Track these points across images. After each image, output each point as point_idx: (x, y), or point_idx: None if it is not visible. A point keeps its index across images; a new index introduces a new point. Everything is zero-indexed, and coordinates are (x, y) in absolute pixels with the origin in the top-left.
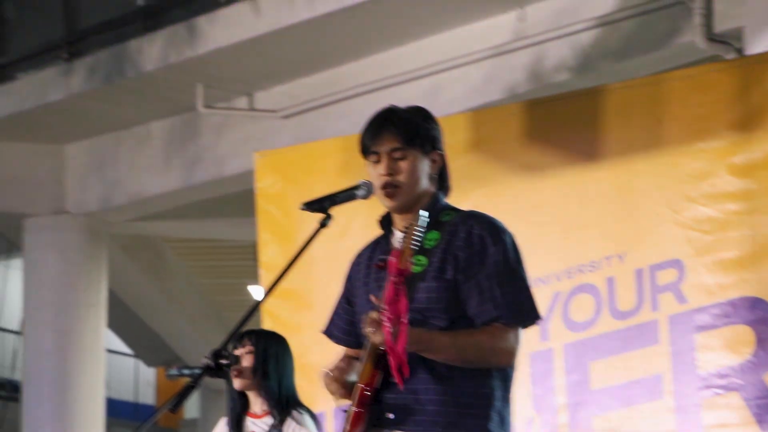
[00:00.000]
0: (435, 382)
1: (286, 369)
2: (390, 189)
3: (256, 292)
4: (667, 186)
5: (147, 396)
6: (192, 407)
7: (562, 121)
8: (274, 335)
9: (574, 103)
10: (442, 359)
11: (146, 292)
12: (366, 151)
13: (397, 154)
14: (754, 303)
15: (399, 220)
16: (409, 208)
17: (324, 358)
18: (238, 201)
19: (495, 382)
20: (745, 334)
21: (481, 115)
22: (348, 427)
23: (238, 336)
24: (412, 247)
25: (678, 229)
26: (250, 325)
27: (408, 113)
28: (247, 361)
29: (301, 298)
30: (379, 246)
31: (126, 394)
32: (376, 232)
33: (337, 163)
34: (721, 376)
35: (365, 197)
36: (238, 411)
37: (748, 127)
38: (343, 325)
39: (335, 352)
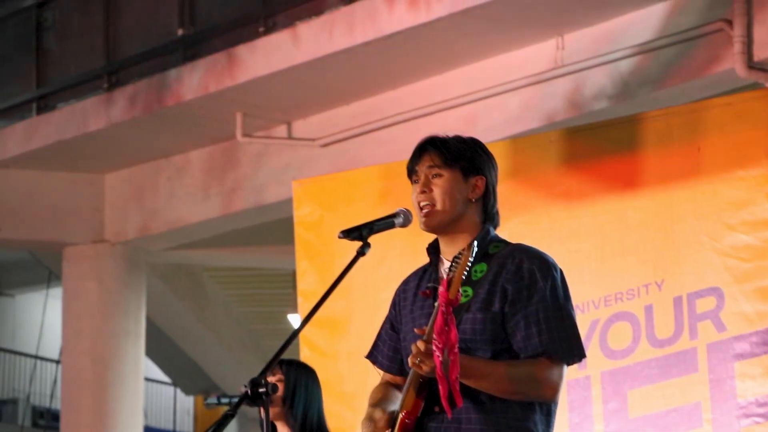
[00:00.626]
0: (477, 411)
1: (313, 400)
2: (425, 208)
3: (295, 320)
4: (706, 214)
5: (185, 424)
6: None
7: (601, 148)
8: (304, 366)
9: (613, 131)
10: (484, 388)
11: (185, 320)
12: (409, 173)
13: (434, 172)
14: None
15: (446, 248)
16: (451, 233)
17: (361, 385)
18: (276, 229)
19: (537, 416)
20: None
21: (519, 142)
22: None
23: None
24: (462, 277)
25: (717, 256)
26: (288, 354)
27: (453, 139)
28: (277, 390)
29: (338, 326)
30: (427, 274)
31: (164, 423)
32: (414, 260)
33: (375, 191)
34: (760, 404)
35: (403, 225)
36: None
37: None
38: (387, 351)
39: (373, 379)
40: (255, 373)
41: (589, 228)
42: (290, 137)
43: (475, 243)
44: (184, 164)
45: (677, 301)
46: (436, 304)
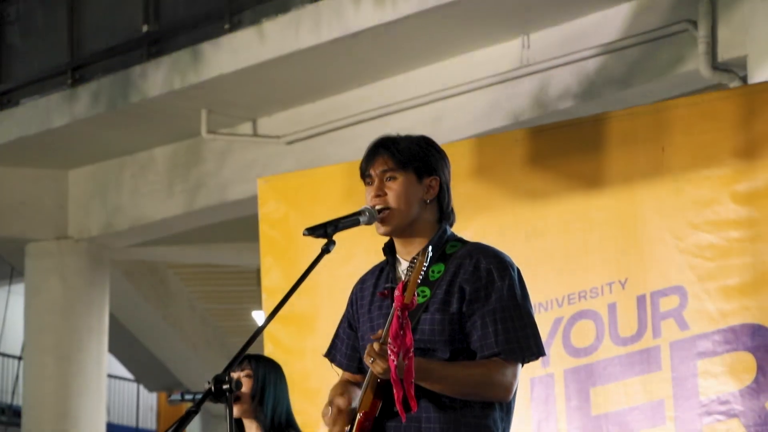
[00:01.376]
0: (437, 410)
1: (282, 396)
2: (381, 213)
3: (259, 317)
4: (670, 213)
5: (148, 421)
6: None
7: (566, 148)
8: (271, 362)
9: (578, 131)
10: (440, 390)
11: (148, 317)
12: (363, 175)
13: (388, 175)
14: (756, 330)
15: (403, 249)
16: (407, 235)
17: (326, 382)
18: (241, 226)
19: (496, 413)
20: (746, 360)
21: (484, 141)
22: None
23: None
24: (418, 280)
25: (680, 255)
26: (252, 350)
27: (405, 140)
28: (245, 386)
29: (303, 323)
30: (384, 273)
31: (127, 419)
32: (379, 258)
33: (341, 189)
34: (722, 402)
35: (368, 223)
36: None
37: (751, 155)
38: (345, 350)
39: (337, 377)
40: (219, 370)
41: (554, 226)
42: (255, 134)
43: (430, 248)
44: (148, 161)
45: (641, 299)
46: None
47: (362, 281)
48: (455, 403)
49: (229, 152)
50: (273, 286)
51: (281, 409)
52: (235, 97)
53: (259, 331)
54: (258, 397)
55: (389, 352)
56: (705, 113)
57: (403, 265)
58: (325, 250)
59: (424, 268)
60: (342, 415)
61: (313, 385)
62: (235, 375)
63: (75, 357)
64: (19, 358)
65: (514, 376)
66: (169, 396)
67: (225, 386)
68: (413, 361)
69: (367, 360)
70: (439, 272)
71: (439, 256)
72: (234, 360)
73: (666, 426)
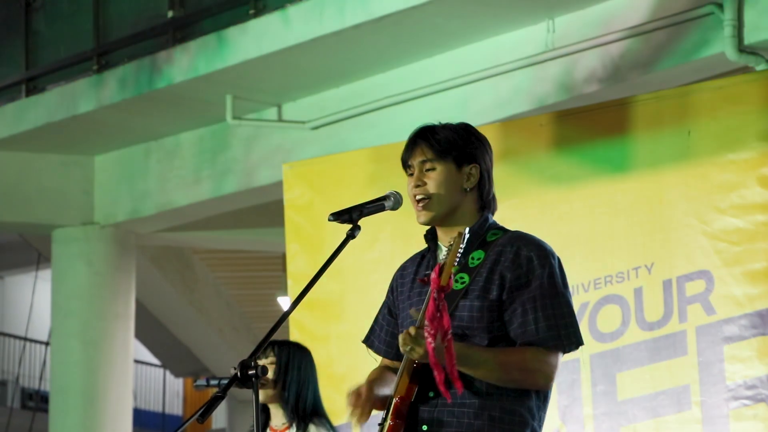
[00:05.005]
0: (472, 396)
1: (307, 380)
2: (421, 201)
3: (285, 302)
4: (696, 197)
5: (174, 407)
6: (219, 418)
7: (591, 132)
8: (297, 346)
9: (604, 115)
10: (478, 376)
11: (174, 303)
12: (404, 165)
13: (428, 166)
14: None
15: (443, 235)
16: (448, 222)
17: (351, 368)
18: (266, 212)
19: (532, 401)
20: None
21: (510, 126)
22: None
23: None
24: (455, 264)
25: (706, 240)
26: (278, 336)
27: (444, 128)
28: (270, 372)
29: (329, 308)
30: (425, 260)
31: (154, 405)
32: (405, 243)
33: (366, 173)
34: (749, 387)
35: (393, 208)
36: (261, 424)
37: None
38: (385, 336)
39: (363, 362)
40: (245, 356)
41: (579, 211)
42: (280, 120)
43: (467, 230)
44: (174, 147)
45: (667, 284)
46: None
47: (403, 268)
48: (491, 388)
49: (254, 138)
50: (298, 271)
51: (306, 393)
52: (260, 82)
53: (285, 316)
54: (281, 382)
55: (426, 334)
56: (731, 97)
57: (444, 252)
58: (350, 235)
59: (461, 251)
60: (361, 400)
61: (338, 371)
62: (260, 362)
63: (102, 343)
64: (47, 344)
65: (555, 365)
66: (195, 381)
67: (251, 371)
68: (452, 343)
69: (404, 348)
70: (479, 259)
71: (480, 244)
72: (260, 345)
73: (692, 411)
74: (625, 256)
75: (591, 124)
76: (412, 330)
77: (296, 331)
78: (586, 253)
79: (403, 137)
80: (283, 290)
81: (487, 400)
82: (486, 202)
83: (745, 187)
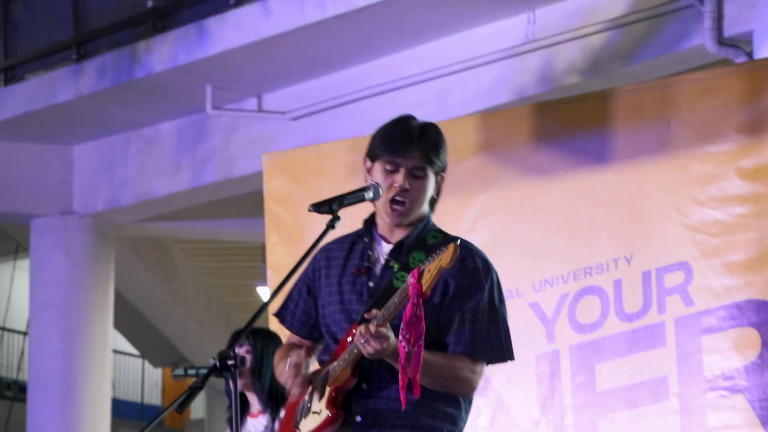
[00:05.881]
0: (409, 393)
1: None
2: (399, 206)
3: (264, 293)
4: (676, 189)
5: (153, 396)
6: (198, 408)
7: (571, 123)
8: (269, 333)
9: (584, 106)
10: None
11: (153, 293)
12: (382, 157)
13: (418, 173)
14: (761, 306)
15: (388, 231)
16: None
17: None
18: (246, 202)
19: (462, 404)
20: (751, 336)
21: (490, 117)
22: (313, 428)
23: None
24: (434, 274)
25: (685, 231)
26: (256, 326)
27: (432, 133)
28: (246, 362)
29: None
30: (356, 248)
31: (132, 395)
32: None
33: (346, 164)
34: (727, 378)
35: (373, 199)
36: (240, 412)
37: (757, 130)
38: (299, 315)
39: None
40: (223, 346)
41: (559, 203)
42: (260, 110)
43: (460, 240)
44: (153, 136)
45: (646, 275)
46: (404, 294)
47: (328, 250)
48: (424, 390)
49: (234, 128)
50: (278, 262)
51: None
52: (240, 72)
53: (264, 307)
54: (257, 371)
55: (401, 338)
56: (710, 89)
57: (384, 248)
58: (330, 226)
59: (446, 267)
60: (299, 372)
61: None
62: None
63: (80, 332)
64: (25, 334)
65: (482, 375)
66: (174, 371)
67: (230, 362)
68: (421, 350)
69: (359, 340)
70: (420, 260)
71: (421, 245)
72: (238, 335)
73: (670, 402)
74: (605, 247)
75: (571, 115)
76: (372, 327)
77: (275, 322)
78: (566, 244)
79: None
80: (263, 281)
81: (422, 400)
82: (433, 205)
83: (724, 179)
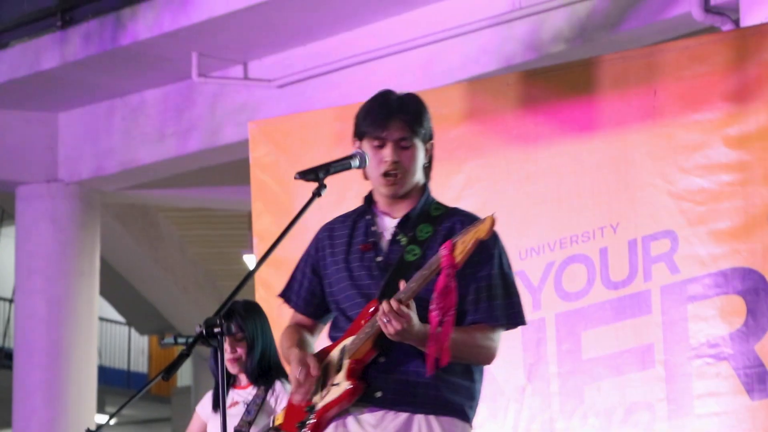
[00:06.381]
0: (425, 365)
1: (268, 339)
2: (392, 177)
3: (250, 261)
4: (661, 157)
5: (140, 364)
6: (185, 375)
7: (558, 91)
8: (254, 309)
9: (570, 74)
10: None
11: (139, 260)
12: (368, 134)
13: (404, 143)
14: (746, 273)
15: (390, 206)
16: (402, 195)
17: None
18: (232, 170)
19: (477, 375)
20: (736, 304)
21: (476, 85)
22: (332, 400)
23: (227, 313)
24: (470, 246)
25: (671, 200)
26: (243, 294)
27: (412, 102)
28: (241, 349)
29: (294, 267)
30: (359, 225)
31: (119, 363)
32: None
33: (332, 132)
34: (712, 345)
35: (360, 167)
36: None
37: (743, 98)
38: (304, 294)
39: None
40: (210, 314)
41: (545, 171)
42: (246, 78)
43: (494, 215)
44: (139, 104)
45: (632, 243)
46: (435, 266)
47: (330, 229)
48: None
49: (220, 96)
50: (264, 230)
51: (269, 353)
52: (226, 40)
53: (250, 275)
54: (251, 351)
55: (433, 306)
56: (697, 57)
57: (388, 222)
58: (316, 193)
59: (481, 239)
60: (311, 379)
61: None
62: (237, 351)
63: (66, 300)
64: (10, 301)
65: (498, 340)
66: (161, 339)
67: (216, 329)
68: (452, 319)
69: (381, 319)
70: (427, 232)
71: (425, 218)
72: (225, 304)
73: (656, 369)
74: (591, 215)
75: (558, 83)
76: (394, 303)
77: (261, 290)
78: (552, 212)
79: (370, 96)
80: (249, 249)
81: (440, 371)
82: (428, 175)
83: (710, 147)
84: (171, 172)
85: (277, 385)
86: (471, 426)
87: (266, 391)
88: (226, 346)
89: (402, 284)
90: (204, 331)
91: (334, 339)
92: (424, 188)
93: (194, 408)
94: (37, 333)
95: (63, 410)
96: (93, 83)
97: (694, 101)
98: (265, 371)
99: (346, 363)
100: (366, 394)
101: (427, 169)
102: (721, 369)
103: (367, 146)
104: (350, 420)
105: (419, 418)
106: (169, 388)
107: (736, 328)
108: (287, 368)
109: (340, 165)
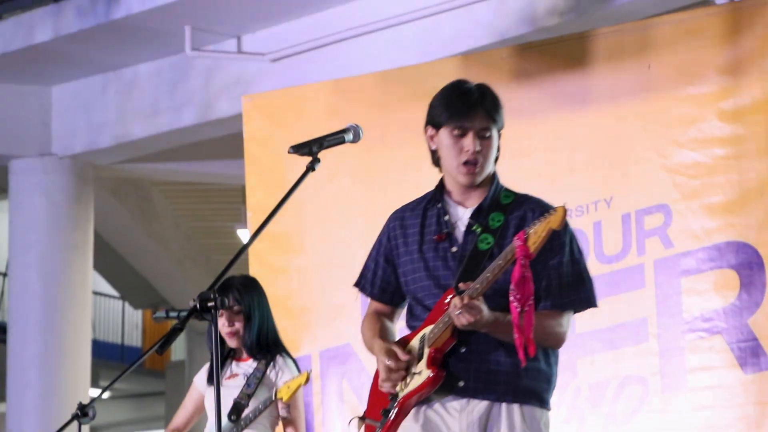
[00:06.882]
0: (506, 356)
1: (267, 313)
2: (472, 166)
3: (244, 235)
4: (655, 131)
5: (134, 338)
6: (178, 349)
7: (552, 65)
8: (252, 284)
9: (564, 48)
10: (508, 339)
11: (133, 235)
12: (449, 123)
13: (485, 133)
14: (740, 247)
15: (463, 195)
16: (477, 185)
17: (309, 301)
18: (226, 144)
19: (553, 359)
20: (730, 278)
21: (470, 59)
22: (414, 388)
23: (224, 288)
24: (543, 236)
25: (665, 173)
26: (236, 269)
27: (490, 92)
28: (239, 323)
29: (288, 241)
30: (430, 215)
31: (113, 337)
32: (365, 177)
33: (326, 106)
34: (705, 319)
35: (353, 141)
36: (222, 355)
37: (737, 72)
38: (379, 283)
39: (323, 295)
40: (203, 288)
41: (539, 145)
42: (240, 52)
43: (565, 206)
44: (132, 78)
45: (625, 217)
46: (510, 255)
47: (401, 218)
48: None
49: (213, 70)
50: (258, 204)
51: (267, 328)
52: (220, 13)
53: (244, 248)
54: (248, 326)
55: (512, 298)
56: (691, 30)
57: (461, 212)
58: (310, 168)
59: (551, 229)
60: (401, 364)
61: (296, 304)
62: (235, 325)
63: (60, 274)
64: (4, 275)
65: (569, 325)
66: (155, 313)
67: (210, 303)
68: (532, 309)
69: (453, 312)
70: (499, 221)
71: (496, 206)
72: (218, 278)
73: (649, 343)
74: (585, 189)
75: (552, 57)
76: (466, 299)
77: (255, 264)
78: (546, 186)
79: (364, 70)
80: (243, 223)
81: (516, 359)
82: (495, 163)
83: (704, 121)
84: (165, 146)
85: (279, 359)
86: (549, 409)
87: (267, 365)
88: (224, 320)
89: (470, 283)
90: (198, 305)
91: (413, 328)
92: (494, 177)
93: (188, 381)
94: (31, 307)
95: (57, 384)
96: (86, 57)
97: (688, 75)
98: (263, 345)
99: (426, 352)
100: (448, 383)
101: (496, 159)
102: (715, 343)
103: (444, 134)
104: (435, 406)
105: (502, 406)
106: (164, 363)
107: (729, 302)
108: (376, 357)
109: (334, 139)
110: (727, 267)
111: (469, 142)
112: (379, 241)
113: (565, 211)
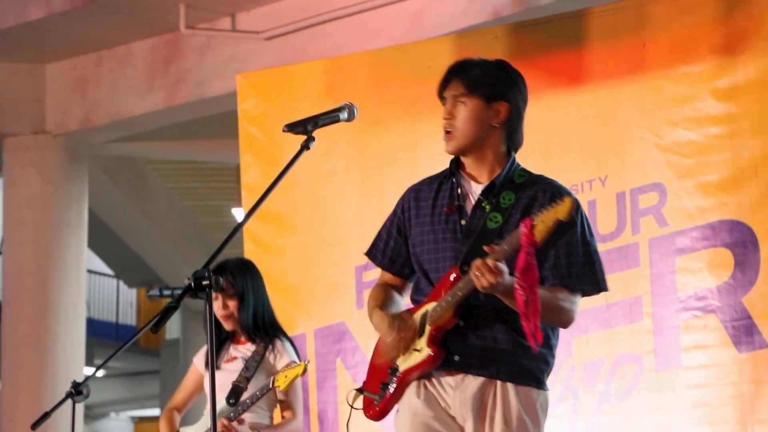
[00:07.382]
0: (506, 333)
1: (262, 296)
2: (447, 133)
3: (238, 214)
4: (650, 110)
5: (128, 317)
6: (173, 328)
7: (546, 44)
8: (245, 265)
9: (559, 27)
10: (515, 308)
11: (127, 213)
12: (439, 97)
13: (458, 100)
14: (734, 226)
15: (473, 169)
16: (474, 156)
17: (304, 280)
18: (220, 122)
19: (553, 341)
20: (724, 256)
21: (465, 37)
22: (414, 365)
23: (218, 271)
24: (550, 225)
25: (660, 152)
26: (231, 248)
27: (480, 65)
28: (233, 306)
29: (283, 220)
30: (443, 188)
31: (107, 315)
32: (360, 155)
33: (320, 85)
34: (699, 298)
35: (348, 120)
36: (218, 336)
37: (731, 50)
38: (389, 253)
39: (318, 274)
40: (198, 266)
41: (534, 124)
42: (234, 30)
43: (572, 195)
44: (126, 56)
45: (620, 196)
46: (515, 242)
47: (417, 191)
48: (521, 331)
49: (208, 48)
50: (252, 182)
51: (263, 311)
52: None
53: (238, 227)
54: (242, 308)
55: (517, 286)
56: (686, 9)
57: (474, 187)
58: (305, 146)
59: (558, 219)
60: (408, 336)
61: (292, 283)
62: (228, 308)
63: (54, 252)
64: None
65: (578, 306)
66: (149, 292)
67: (205, 282)
68: (537, 297)
69: (474, 273)
70: (509, 200)
71: (509, 185)
72: (213, 256)
73: (643, 322)
74: (579, 168)
75: (546, 36)
76: (490, 261)
77: (250, 243)
78: (540, 165)
79: (359, 48)
80: (237, 202)
81: (516, 338)
82: (512, 140)
83: (698, 100)
84: (159, 124)
85: (277, 343)
86: (546, 390)
87: (265, 349)
88: (219, 303)
89: (494, 246)
90: (192, 284)
91: (417, 303)
92: (505, 151)
93: (183, 360)
94: (25, 285)
95: (51, 362)
96: (80, 34)
97: (682, 53)
98: (260, 328)
99: (428, 329)
100: (445, 358)
101: (506, 129)
102: (709, 322)
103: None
104: (433, 380)
105: (497, 384)
106: (158, 341)
107: (723, 280)
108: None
109: (329, 118)
110: (722, 245)
111: (444, 111)
112: (393, 213)
113: (572, 204)
